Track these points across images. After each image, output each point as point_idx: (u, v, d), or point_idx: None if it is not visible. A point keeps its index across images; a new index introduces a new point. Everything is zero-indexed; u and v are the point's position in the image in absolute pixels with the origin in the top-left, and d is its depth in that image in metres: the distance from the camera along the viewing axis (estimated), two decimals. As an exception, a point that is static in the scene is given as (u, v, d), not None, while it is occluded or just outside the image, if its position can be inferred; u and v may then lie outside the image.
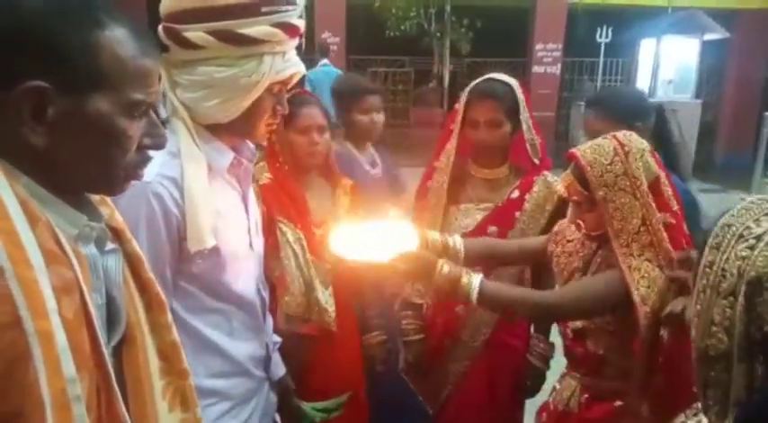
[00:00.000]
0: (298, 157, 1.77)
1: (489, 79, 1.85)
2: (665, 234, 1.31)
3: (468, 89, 1.86)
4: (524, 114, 1.82)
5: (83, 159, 0.72)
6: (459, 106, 1.86)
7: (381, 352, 2.00)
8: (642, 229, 1.31)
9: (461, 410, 1.92)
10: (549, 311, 1.45)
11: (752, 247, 0.69)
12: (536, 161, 1.87)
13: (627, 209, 1.31)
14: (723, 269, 0.71)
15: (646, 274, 1.29)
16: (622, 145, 1.33)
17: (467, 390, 1.91)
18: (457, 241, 1.56)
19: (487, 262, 1.69)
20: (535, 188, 1.85)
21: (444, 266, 1.35)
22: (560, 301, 1.41)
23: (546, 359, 1.91)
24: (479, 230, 1.84)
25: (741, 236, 0.71)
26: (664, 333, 1.26)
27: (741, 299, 0.69)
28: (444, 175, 1.88)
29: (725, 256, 0.72)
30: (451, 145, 1.88)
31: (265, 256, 1.68)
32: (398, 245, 1.37)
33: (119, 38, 0.71)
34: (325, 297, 1.71)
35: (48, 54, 0.66)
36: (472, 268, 1.42)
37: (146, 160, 0.80)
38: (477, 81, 1.86)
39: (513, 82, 1.84)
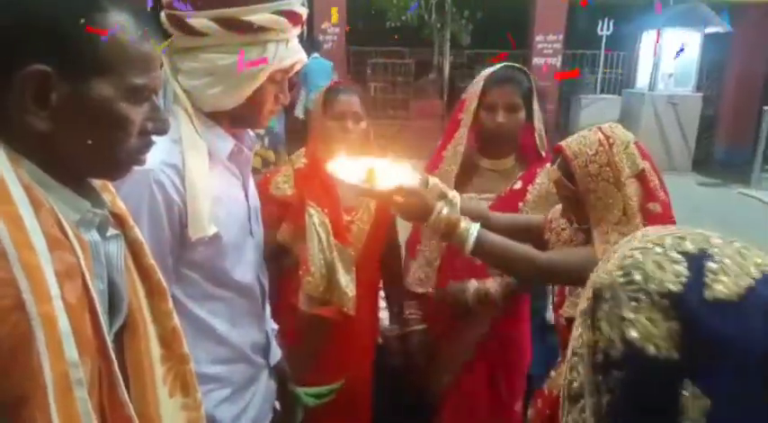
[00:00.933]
0: (331, 143, 1.79)
1: (506, 66, 1.86)
2: (640, 222, 1.31)
3: (484, 75, 1.86)
4: (536, 104, 1.83)
5: (85, 144, 0.72)
6: (472, 94, 1.86)
7: (397, 346, 2.02)
8: (623, 219, 1.32)
9: (461, 402, 1.94)
10: (547, 271, 1.39)
11: (608, 260, 0.61)
12: (543, 153, 1.88)
13: (608, 199, 1.33)
14: (586, 288, 0.62)
15: None
16: (607, 137, 1.35)
17: (466, 381, 1.93)
18: (456, 195, 1.52)
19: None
20: (538, 180, 1.85)
21: (444, 208, 1.34)
22: (562, 264, 1.37)
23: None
24: None
25: (611, 255, 0.62)
26: None
27: (587, 315, 0.60)
28: (452, 163, 1.88)
29: (592, 277, 0.63)
30: (461, 133, 1.88)
31: (292, 234, 1.71)
32: (400, 179, 1.35)
33: (121, 23, 0.71)
34: (346, 281, 1.73)
35: (50, 38, 0.66)
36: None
37: (148, 145, 0.80)
38: (494, 68, 1.87)
39: (527, 72, 1.86)
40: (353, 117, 1.78)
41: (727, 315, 0.54)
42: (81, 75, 0.69)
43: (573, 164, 1.35)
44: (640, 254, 0.58)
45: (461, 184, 1.90)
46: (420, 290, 1.97)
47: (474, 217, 1.46)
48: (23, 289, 0.61)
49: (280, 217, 1.74)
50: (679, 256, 0.57)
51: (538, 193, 1.84)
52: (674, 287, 0.55)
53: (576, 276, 1.32)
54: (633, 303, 0.56)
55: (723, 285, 0.54)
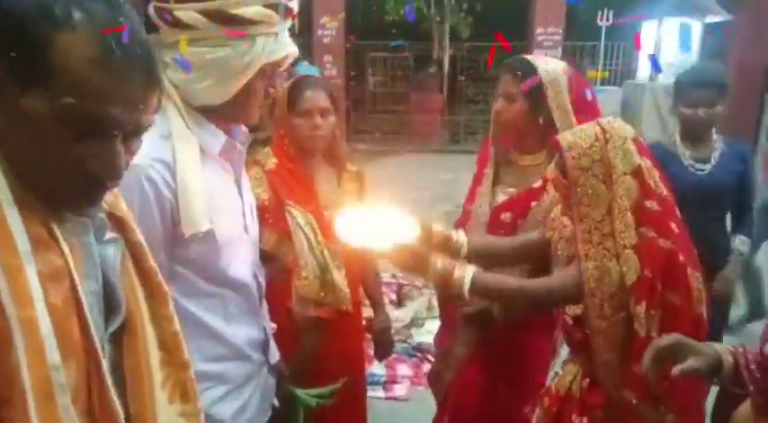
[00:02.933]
0: (300, 140, 1.76)
1: (517, 56, 1.84)
2: (631, 220, 1.29)
3: None
4: (558, 100, 1.72)
5: (23, 157, 0.67)
6: None
7: (388, 337, 2.02)
8: (606, 218, 1.31)
9: (462, 396, 1.93)
10: (540, 300, 1.47)
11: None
12: None
13: (595, 196, 1.32)
14: None
15: (600, 265, 1.30)
16: (604, 131, 1.33)
17: (467, 376, 1.92)
18: (461, 237, 1.58)
19: (488, 260, 1.66)
20: None
21: (438, 262, 1.40)
22: (549, 289, 1.43)
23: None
24: (494, 215, 1.83)
25: None
26: (640, 328, 1.26)
27: None
28: (491, 161, 1.91)
29: None
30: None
31: (277, 240, 1.68)
32: (397, 236, 1.41)
33: (82, 40, 0.64)
34: (340, 278, 1.72)
35: (7, 38, 0.62)
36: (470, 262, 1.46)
37: (95, 188, 0.71)
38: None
39: (549, 64, 1.76)
40: (322, 112, 1.75)
41: None
42: (24, 80, 0.63)
43: (566, 155, 1.33)
44: None
45: (493, 177, 1.91)
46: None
47: (480, 252, 1.56)
48: (2, 292, 0.60)
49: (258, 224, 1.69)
50: None
51: (555, 194, 1.79)
52: None
53: (575, 294, 1.36)
54: None
55: None
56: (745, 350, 1.08)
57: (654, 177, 1.34)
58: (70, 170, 0.68)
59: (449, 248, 1.55)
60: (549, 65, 1.77)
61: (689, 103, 2.33)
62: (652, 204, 1.31)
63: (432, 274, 1.40)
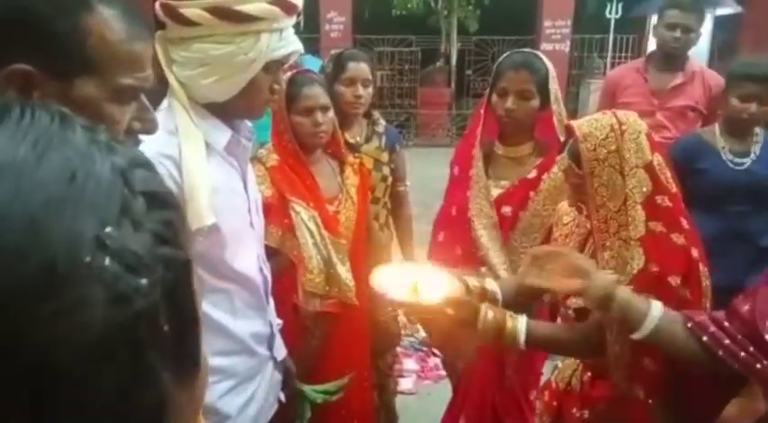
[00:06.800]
0: (302, 137, 1.77)
1: (520, 52, 1.85)
2: (641, 214, 1.29)
3: (499, 61, 1.85)
4: (553, 86, 1.79)
5: None
6: (490, 83, 1.87)
7: (397, 328, 2.03)
8: (623, 208, 1.30)
9: (471, 384, 1.95)
10: (587, 343, 1.38)
11: None
12: (562, 138, 1.85)
13: (611, 186, 1.30)
14: None
15: (616, 255, 1.29)
16: (620, 123, 1.32)
17: (476, 365, 1.93)
18: (492, 286, 1.49)
19: (524, 299, 1.58)
20: (554, 169, 1.79)
21: (489, 312, 1.32)
22: (591, 332, 1.37)
23: None
24: (494, 210, 1.83)
25: None
26: None
27: None
28: (479, 160, 1.88)
29: None
30: (479, 126, 1.88)
31: (281, 236, 1.70)
32: (443, 289, 1.32)
33: (108, 21, 0.70)
34: (344, 272, 1.73)
35: (34, 38, 0.65)
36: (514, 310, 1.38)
37: (135, 144, 0.79)
38: (508, 54, 1.87)
39: (545, 58, 1.84)
40: (321, 110, 1.75)
41: None
42: (65, 74, 0.68)
43: (581, 146, 1.32)
44: None
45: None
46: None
47: (513, 295, 1.45)
48: None
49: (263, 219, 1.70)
50: None
51: (552, 182, 1.79)
52: None
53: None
54: None
55: None
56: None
57: (666, 173, 1.33)
58: (120, 136, 0.74)
59: (487, 300, 1.45)
60: (545, 58, 1.84)
61: (742, 96, 2.21)
62: (663, 199, 1.30)
63: (482, 325, 1.30)
